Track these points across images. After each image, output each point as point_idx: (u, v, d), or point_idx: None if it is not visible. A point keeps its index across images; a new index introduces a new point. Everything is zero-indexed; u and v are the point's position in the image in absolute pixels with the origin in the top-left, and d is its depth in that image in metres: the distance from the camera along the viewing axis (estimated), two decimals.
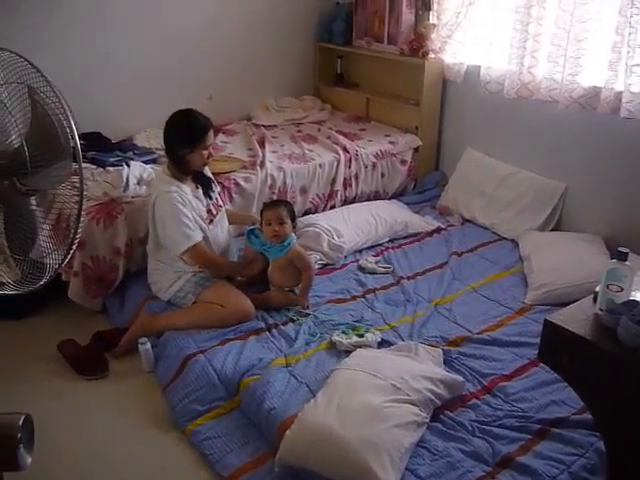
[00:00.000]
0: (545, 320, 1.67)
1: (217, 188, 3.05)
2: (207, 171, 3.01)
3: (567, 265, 3.00)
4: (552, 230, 3.52)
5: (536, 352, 2.43)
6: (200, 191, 2.88)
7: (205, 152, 2.80)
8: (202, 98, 4.13)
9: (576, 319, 1.65)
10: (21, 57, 1.48)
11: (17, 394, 2.51)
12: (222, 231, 3.00)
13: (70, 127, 1.40)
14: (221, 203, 3.04)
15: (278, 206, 2.91)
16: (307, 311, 2.83)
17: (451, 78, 4.03)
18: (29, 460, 0.71)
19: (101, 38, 3.82)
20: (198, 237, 2.74)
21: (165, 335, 2.71)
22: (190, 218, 2.72)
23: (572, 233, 3.39)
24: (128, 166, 3.27)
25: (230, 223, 3.12)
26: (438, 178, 4.29)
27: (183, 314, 2.79)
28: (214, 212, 2.93)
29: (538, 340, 2.46)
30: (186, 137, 2.74)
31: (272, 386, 2.29)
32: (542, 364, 2.29)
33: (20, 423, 0.66)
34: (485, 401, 2.30)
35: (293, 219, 2.93)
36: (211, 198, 2.93)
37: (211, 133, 2.81)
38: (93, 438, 2.35)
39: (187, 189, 2.79)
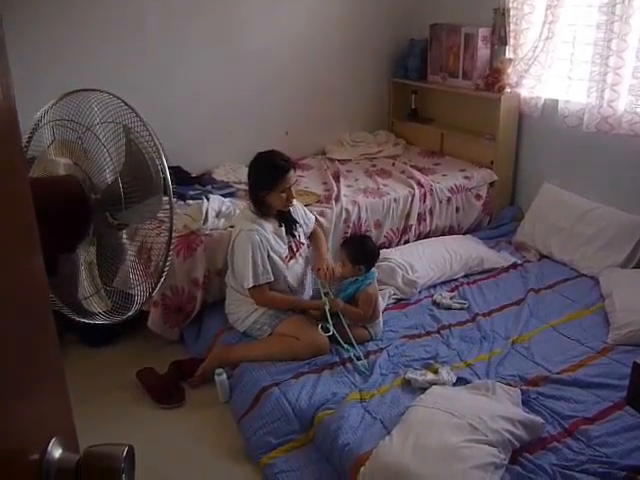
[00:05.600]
0: (634, 363, 1.61)
1: (302, 228, 3.04)
2: (297, 209, 3.02)
3: None
4: (635, 267, 3.39)
5: (620, 394, 2.38)
6: (283, 229, 2.91)
7: (284, 195, 2.80)
8: (278, 133, 4.24)
9: None
10: (117, 98, 1.56)
11: (95, 420, 2.54)
12: (301, 266, 3.01)
13: (162, 165, 1.47)
14: (303, 240, 3.04)
15: (343, 246, 3.02)
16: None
17: (528, 112, 3.98)
18: None
19: (181, 77, 3.96)
20: (264, 280, 2.77)
21: (240, 366, 2.74)
22: (263, 260, 2.76)
23: None
24: (207, 199, 3.36)
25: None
26: (514, 213, 4.22)
27: (258, 346, 2.82)
28: (294, 249, 2.96)
29: (622, 382, 2.41)
30: (265, 179, 2.78)
31: (346, 421, 2.28)
32: (627, 407, 2.20)
33: (123, 455, 0.68)
34: (566, 444, 2.21)
35: (360, 262, 2.89)
36: (294, 236, 2.97)
37: (290, 174, 2.79)
38: (169, 468, 2.40)
39: (269, 227, 2.84)
